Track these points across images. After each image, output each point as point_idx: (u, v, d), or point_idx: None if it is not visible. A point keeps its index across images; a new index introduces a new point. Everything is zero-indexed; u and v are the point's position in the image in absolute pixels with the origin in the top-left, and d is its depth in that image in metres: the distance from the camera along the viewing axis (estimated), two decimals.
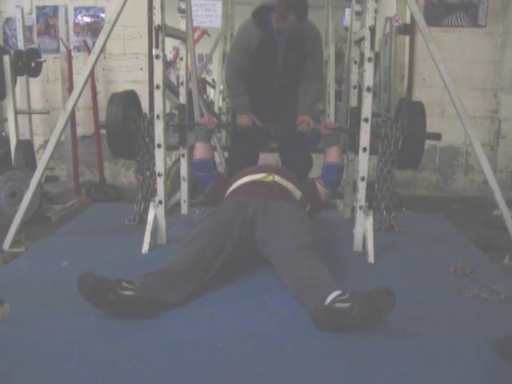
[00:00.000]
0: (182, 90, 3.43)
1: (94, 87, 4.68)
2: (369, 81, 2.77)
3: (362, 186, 2.85)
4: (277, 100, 3.56)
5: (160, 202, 2.98)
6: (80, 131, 4.85)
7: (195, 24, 4.33)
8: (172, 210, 3.43)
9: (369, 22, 2.73)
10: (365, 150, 2.82)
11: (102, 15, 4.91)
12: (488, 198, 3.90)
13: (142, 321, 2.02)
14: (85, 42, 4.82)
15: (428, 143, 4.63)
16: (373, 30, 2.72)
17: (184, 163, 3.51)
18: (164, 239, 3.01)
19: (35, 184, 3.09)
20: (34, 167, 3.57)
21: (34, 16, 4.92)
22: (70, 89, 4.29)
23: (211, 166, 3.12)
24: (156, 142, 2.95)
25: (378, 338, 1.93)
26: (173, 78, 5.88)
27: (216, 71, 6.00)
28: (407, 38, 4.98)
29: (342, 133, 3.34)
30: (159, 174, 2.97)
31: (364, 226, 2.86)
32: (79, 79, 3.15)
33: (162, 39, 2.83)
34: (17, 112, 4.17)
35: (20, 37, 4.54)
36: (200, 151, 3.13)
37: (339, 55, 5.14)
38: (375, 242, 2.80)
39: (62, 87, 4.77)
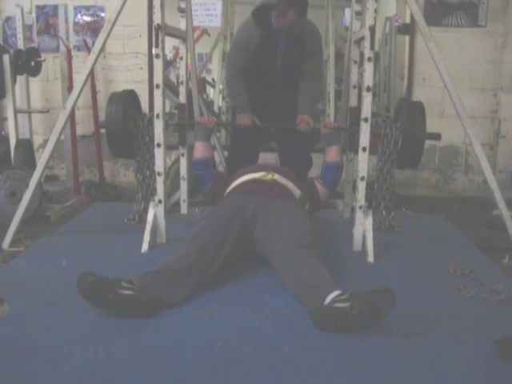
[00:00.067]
0: (182, 90, 3.43)
1: (93, 86, 4.68)
2: (368, 80, 2.77)
3: (361, 186, 2.85)
4: (277, 99, 3.56)
5: (160, 202, 2.98)
6: (80, 130, 4.85)
7: (195, 23, 4.33)
8: (172, 210, 3.43)
9: (369, 21, 2.73)
10: (364, 149, 2.82)
11: (102, 14, 4.91)
12: (488, 198, 3.90)
13: (141, 320, 2.01)
14: (84, 41, 4.82)
15: (428, 143, 4.63)
16: (373, 29, 2.72)
17: (184, 163, 3.51)
18: (163, 238, 3.01)
19: (35, 183, 3.08)
20: (33, 166, 3.57)
21: (33, 15, 4.91)
22: (70, 88, 4.29)
23: (211, 165, 3.12)
24: (156, 142, 2.95)
25: (377, 337, 1.93)
26: (173, 78, 5.88)
27: (216, 70, 6.00)
28: (407, 37, 4.98)
29: (341, 132, 3.34)
30: (159, 174, 2.97)
31: (364, 226, 2.86)
32: (79, 78, 3.14)
33: (161, 38, 2.83)
34: (16, 111, 4.17)
35: (20, 36, 4.53)
36: (200, 150, 3.13)
37: (339, 55, 5.14)
38: (375, 241, 2.80)
39: (62, 86, 4.77)
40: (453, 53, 4.66)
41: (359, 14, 3.17)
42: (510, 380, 1.71)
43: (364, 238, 2.86)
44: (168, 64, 5.98)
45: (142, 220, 3.24)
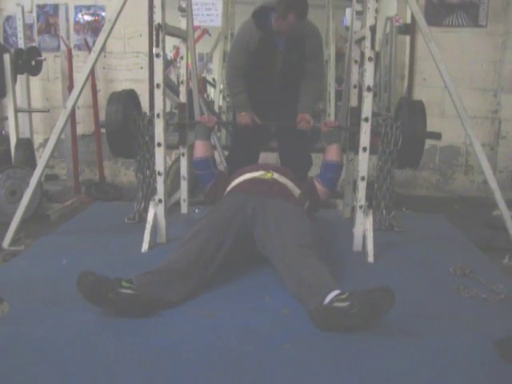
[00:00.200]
0: (183, 89, 3.43)
1: (94, 86, 4.68)
2: (369, 80, 2.76)
3: (361, 186, 2.85)
4: (277, 100, 3.56)
5: (160, 201, 2.98)
6: (80, 130, 4.86)
7: (196, 23, 4.32)
8: (172, 209, 3.43)
9: (369, 21, 2.73)
10: (365, 149, 2.82)
11: (103, 14, 4.91)
12: (488, 198, 3.90)
13: (141, 320, 2.01)
14: (85, 40, 4.82)
15: (428, 143, 4.64)
16: (373, 29, 2.72)
17: (184, 162, 3.51)
18: (164, 238, 3.01)
19: (35, 182, 3.09)
20: (33, 165, 3.58)
21: (34, 14, 4.92)
22: (70, 87, 4.29)
23: (211, 165, 3.12)
24: (156, 141, 2.95)
25: (377, 337, 1.92)
26: (173, 77, 5.88)
27: (216, 70, 6.00)
28: (408, 37, 4.98)
29: (341, 131, 3.34)
30: (159, 173, 2.97)
31: (364, 226, 2.86)
32: (79, 78, 3.14)
33: (162, 38, 2.83)
34: (17, 110, 4.17)
35: (20, 35, 4.53)
36: (200, 150, 3.13)
37: (339, 55, 5.14)
38: (375, 241, 2.80)
39: (62, 86, 4.77)
40: (453, 53, 4.66)
41: (360, 14, 3.17)
42: (510, 380, 1.72)
43: (364, 237, 2.86)
44: (168, 63, 5.98)
45: (142, 219, 3.24)
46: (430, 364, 1.77)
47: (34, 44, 4.77)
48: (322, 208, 3.78)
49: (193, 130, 3.33)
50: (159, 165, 2.97)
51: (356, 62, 3.29)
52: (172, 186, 3.84)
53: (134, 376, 1.67)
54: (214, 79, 6.69)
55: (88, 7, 4.91)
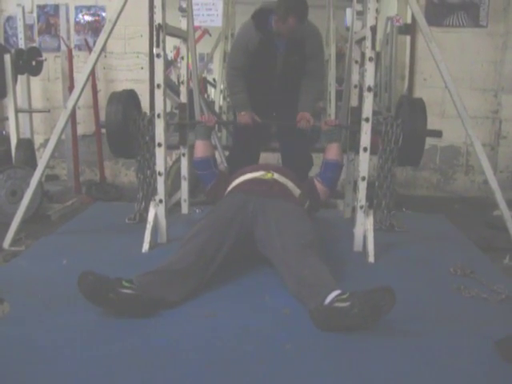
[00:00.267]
0: (183, 89, 3.43)
1: (94, 86, 4.69)
2: (370, 80, 2.76)
3: (362, 186, 2.84)
4: (278, 101, 3.57)
5: (160, 201, 2.98)
6: (80, 130, 4.85)
7: (196, 23, 4.33)
8: (172, 210, 3.44)
9: (370, 21, 2.73)
10: (365, 149, 2.82)
11: (103, 14, 4.91)
12: (488, 198, 3.90)
13: (141, 320, 2.02)
14: (85, 40, 4.83)
15: (428, 143, 4.64)
16: (374, 29, 2.71)
17: (184, 162, 3.51)
18: (164, 238, 3.01)
19: (35, 183, 3.09)
20: (34, 166, 3.57)
21: (34, 15, 4.92)
22: (71, 87, 4.30)
23: (212, 164, 3.12)
24: (156, 141, 2.95)
25: (377, 337, 1.92)
26: (174, 77, 5.88)
27: (217, 70, 6.00)
28: (408, 37, 4.97)
29: (342, 130, 3.34)
30: (160, 173, 2.97)
31: (364, 226, 2.86)
32: (80, 78, 3.15)
33: (162, 38, 2.83)
34: (17, 111, 4.17)
35: (21, 35, 4.54)
36: (200, 149, 3.13)
37: (340, 55, 5.15)
38: (375, 241, 2.80)
39: (63, 86, 4.77)
40: (454, 53, 4.66)
41: (360, 14, 3.18)
42: (510, 380, 1.71)
43: (365, 238, 2.86)
44: (169, 64, 5.98)
45: (143, 220, 3.24)
46: (430, 364, 1.77)
47: (34, 44, 4.78)
48: (323, 208, 3.78)
49: (193, 131, 3.34)
50: (160, 165, 2.97)
51: (356, 62, 3.29)
52: (172, 187, 3.84)
53: (134, 376, 1.67)
54: (214, 79, 6.69)
55: (88, 7, 4.91)
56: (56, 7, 4.88)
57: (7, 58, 3.96)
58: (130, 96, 3.45)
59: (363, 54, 2.94)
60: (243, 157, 3.53)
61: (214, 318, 2.07)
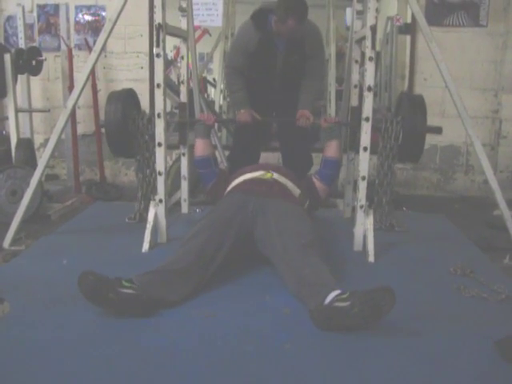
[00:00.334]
0: (183, 89, 3.43)
1: (94, 86, 4.68)
2: (370, 80, 2.76)
3: (362, 186, 2.84)
4: (278, 100, 3.57)
5: (160, 201, 2.98)
6: (80, 130, 4.85)
7: (196, 23, 4.32)
8: (172, 209, 3.43)
9: (370, 21, 2.73)
10: (365, 149, 2.82)
11: (103, 13, 4.91)
12: (488, 198, 3.90)
13: (141, 320, 2.01)
14: (86, 40, 4.82)
15: (428, 143, 4.65)
16: (374, 29, 2.71)
17: (184, 162, 3.52)
18: (164, 238, 3.01)
19: (35, 182, 3.09)
20: (34, 165, 3.57)
21: (34, 14, 4.91)
22: (71, 87, 4.30)
23: (212, 163, 3.13)
24: (156, 141, 2.95)
25: (377, 337, 1.92)
26: (174, 77, 5.88)
27: (217, 70, 6.01)
28: (408, 37, 4.97)
29: (342, 127, 3.34)
30: (160, 173, 2.97)
31: (364, 226, 2.86)
32: (80, 77, 3.15)
33: (162, 38, 2.83)
34: (17, 110, 4.17)
35: (21, 35, 4.53)
36: (200, 148, 3.14)
37: (340, 54, 5.16)
38: (375, 241, 2.80)
39: (63, 85, 4.77)
40: (454, 53, 4.66)
41: (360, 14, 3.18)
42: (510, 380, 1.71)
43: (365, 237, 2.86)
44: (169, 63, 5.99)
45: (143, 219, 3.24)
46: (430, 364, 1.77)
47: (34, 44, 4.77)
48: (323, 208, 3.78)
49: (193, 130, 3.34)
50: (160, 165, 2.96)
51: (357, 61, 3.30)
52: (172, 186, 3.84)
53: (134, 376, 1.67)
54: (214, 79, 6.70)
55: (88, 7, 4.91)
56: (56, 7, 4.88)
57: (7, 57, 3.96)
58: (129, 95, 3.44)
59: (363, 54, 2.94)
60: (244, 156, 3.53)
61: (214, 318, 2.07)
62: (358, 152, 2.95)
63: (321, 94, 4.11)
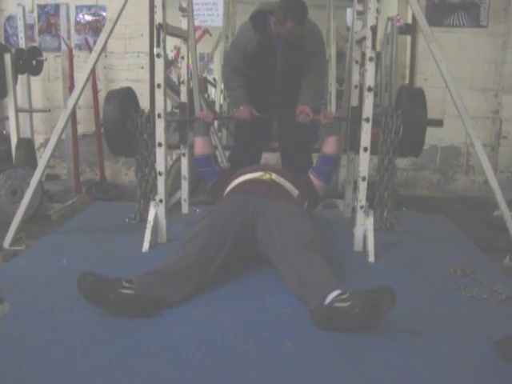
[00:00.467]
0: (183, 89, 3.43)
1: (95, 86, 4.69)
2: (370, 80, 2.76)
3: (362, 186, 2.84)
4: (279, 100, 3.57)
5: (160, 201, 2.98)
6: (81, 130, 4.86)
7: (196, 23, 4.33)
8: (172, 209, 3.43)
9: (370, 21, 2.73)
10: (366, 149, 2.82)
11: (104, 13, 4.91)
12: (489, 199, 3.90)
13: (141, 320, 2.01)
14: (86, 40, 4.83)
15: (429, 143, 4.66)
16: (374, 29, 2.71)
17: (185, 162, 3.52)
18: (164, 238, 3.01)
19: (36, 182, 3.09)
20: (34, 165, 3.58)
21: (35, 14, 4.92)
22: (71, 87, 4.30)
23: (212, 161, 3.14)
24: (157, 141, 2.95)
25: (378, 337, 1.92)
26: (174, 77, 5.88)
27: (217, 70, 6.01)
28: (409, 37, 4.97)
29: (341, 123, 3.34)
30: (160, 173, 2.97)
31: (364, 226, 2.86)
32: (80, 78, 3.15)
33: (163, 38, 2.83)
34: (18, 110, 4.18)
35: (21, 35, 4.54)
36: (200, 146, 3.14)
37: (340, 55, 5.16)
38: (376, 241, 2.80)
39: (63, 86, 4.77)
40: (454, 53, 4.66)
41: (361, 14, 3.17)
42: (510, 380, 1.71)
43: (365, 237, 2.86)
44: (169, 63, 5.99)
45: (143, 219, 3.24)
46: (430, 364, 1.77)
47: (34, 44, 4.78)
48: (323, 208, 3.79)
49: (192, 128, 3.34)
50: (160, 165, 2.96)
51: (357, 62, 3.29)
52: (173, 186, 3.84)
53: (133, 376, 1.67)
54: (214, 79, 6.70)
55: (89, 7, 4.92)
56: (56, 7, 4.89)
57: (7, 57, 3.96)
58: (128, 94, 3.43)
59: (363, 54, 2.93)
60: (245, 156, 3.54)
61: (214, 318, 2.07)
62: (358, 152, 2.95)
63: (321, 91, 4.10)
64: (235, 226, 2.47)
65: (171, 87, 4.45)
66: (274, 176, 2.89)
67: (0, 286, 2.28)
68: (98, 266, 2.12)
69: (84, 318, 2.02)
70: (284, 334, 1.95)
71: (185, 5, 3.35)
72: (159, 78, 2.88)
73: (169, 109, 4.48)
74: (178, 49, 4.73)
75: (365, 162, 2.83)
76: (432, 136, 4.67)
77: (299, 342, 1.90)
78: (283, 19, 3.10)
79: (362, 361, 1.80)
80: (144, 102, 3.71)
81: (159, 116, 2.91)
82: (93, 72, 3.92)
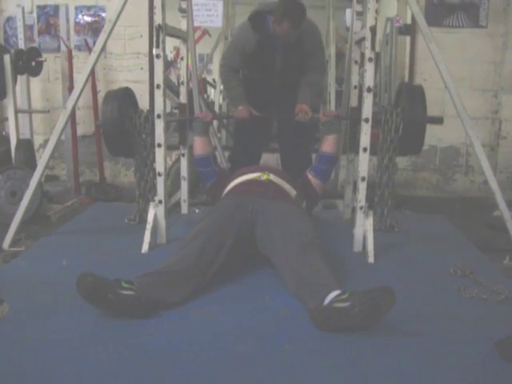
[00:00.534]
0: (183, 90, 3.43)
1: (94, 86, 4.68)
2: (369, 81, 2.76)
3: (362, 187, 2.84)
4: (278, 100, 3.56)
5: (160, 202, 2.98)
6: (80, 130, 4.85)
7: (196, 24, 4.33)
8: (172, 210, 3.43)
9: (370, 22, 2.73)
10: (365, 150, 2.82)
11: (103, 14, 4.91)
12: (488, 199, 3.90)
13: (141, 321, 2.01)
14: (85, 41, 4.82)
15: (428, 144, 4.65)
16: (373, 30, 2.72)
17: (184, 163, 3.52)
18: (164, 239, 3.01)
19: (35, 183, 3.08)
20: (34, 166, 3.57)
21: (34, 15, 4.91)
22: (71, 88, 4.29)
23: (212, 162, 3.14)
24: (156, 142, 2.95)
25: (377, 338, 1.92)
26: (173, 78, 5.88)
27: (216, 71, 6.00)
28: (408, 38, 4.97)
29: (341, 122, 3.34)
30: (159, 174, 2.97)
31: (364, 227, 2.86)
32: (80, 78, 3.15)
33: (162, 39, 2.83)
34: (17, 111, 4.17)
35: (21, 36, 4.53)
36: (199, 147, 3.14)
37: (340, 55, 5.15)
38: (375, 242, 2.80)
39: (63, 86, 4.77)
40: (454, 53, 4.66)
41: (360, 15, 3.18)
42: (510, 380, 1.71)
43: (364, 238, 2.86)
44: (169, 64, 5.99)
45: (143, 220, 3.24)
46: (430, 364, 1.77)
47: (34, 45, 4.77)
48: (323, 209, 3.79)
49: (192, 131, 3.34)
50: (160, 165, 2.96)
51: (356, 62, 3.30)
52: (172, 187, 3.84)
53: (133, 376, 1.67)
54: (214, 80, 6.70)
55: (88, 8, 4.91)
56: (56, 7, 4.88)
57: (7, 58, 3.96)
58: (126, 94, 3.43)
59: (363, 55, 2.94)
60: (244, 156, 3.53)
61: (214, 319, 2.07)
62: (357, 153, 2.94)
63: (321, 90, 4.09)
64: (234, 227, 2.47)
65: (171, 88, 4.44)
66: (271, 176, 2.89)
67: (0, 287, 2.28)
68: (98, 267, 2.13)
69: (83, 318, 2.02)
70: (284, 335, 1.96)
71: (184, 5, 3.34)
72: (159, 78, 2.88)
73: (168, 109, 4.47)
74: (177, 50, 4.73)
75: (364, 163, 2.83)
76: (431, 136, 4.67)
77: (299, 343, 1.91)
78: (280, 19, 3.10)
79: (362, 361, 1.80)
80: (143, 103, 3.71)
81: (158, 117, 2.91)
82: (92, 73, 3.92)
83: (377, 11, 2.73)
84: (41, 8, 4.93)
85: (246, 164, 3.18)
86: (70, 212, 3.88)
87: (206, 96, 6.62)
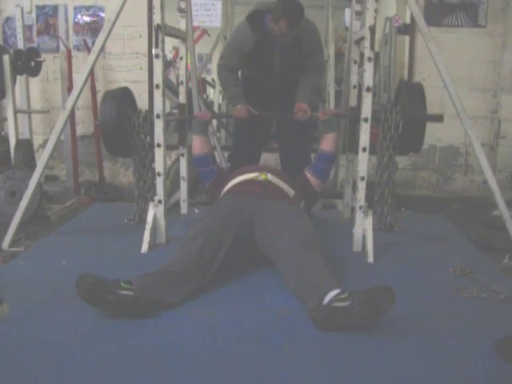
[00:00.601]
0: (182, 90, 3.43)
1: (93, 86, 4.68)
2: (368, 81, 2.76)
3: (361, 186, 2.84)
4: (277, 100, 3.56)
5: (159, 202, 2.98)
6: (79, 130, 4.85)
7: (195, 23, 4.32)
8: (171, 210, 3.43)
9: (369, 21, 2.73)
10: (364, 149, 2.82)
11: (102, 14, 4.90)
12: (488, 198, 3.90)
13: (141, 321, 2.01)
14: (84, 41, 4.82)
15: (428, 143, 4.65)
16: (373, 29, 2.72)
17: (183, 163, 3.51)
18: (163, 239, 3.01)
19: (34, 183, 3.08)
20: (33, 166, 3.57)
21: (33, 15, 4.91)
22: (70, 88, 4.29)
23: (210, 161, 3.14)
24: (156, 142, 2.95)
25: (377, 337, 1.92)
26: (173, 78, 5.88)
27: (216, 71, 5.99)
28: (407, 37, 4.97)
29: (340, 120, 3.34)
30: (159, 174, 2.97)
31: (363, 226, 2.86)
32: (79, 78, 3.14)
33: (161, 39, 2.83)
34: (16, 111, 4.17)
35: (20, 36, 4.53)
36: (198, 146, 3.15)
37: (339, 55, 5.15)
38: (375, 241, 2.80)
39: (62, 86, 4.76)
40: (453, 53, 4.66)
41: (359, 14, 3.18)
42: (509, 380, 1.71)
43: (364, 238, 2.86)
44: (168, 64, 5.98)
45: (142, 220, 3.24)
46: (430, 364, 1.77)
47: (33, 45, 4.77)
48: (323, 209, 3.79)
49: (189, 127, 3.34)
50: (159, 165, 2.96)
51: (355, 62, 3.30)
52: (172, 187, 3.84)
53: (133, 376, 1.67)
54: (213, 80, 6.69)
55: (87, 8, 4.91)
56: (55, 8, 4.88)
57: (6, 58, 3.95)
58: (124, 94, 3.43)
59: (362, 54, 2.94)
60: (244, 156, 3.53)
61: (214, 318, 2.07)
62: (357, 153, 2.94)
63: (320, 89, 4.08)
64: (233, 227, 2.47)
65: (170, 88, 4.44)
66: (269, 176, 2.90)
67: None
68: (97, 267, 2.13)
69: (83, 318, 2.02)
70: (283, 335, 1.96)
71: (183, 5, 3.34)
72: (158, 78, 2.88)
73: (167, 109, 4.47)
74: (176, 49, 4.73)
75: (364, 162, 2.84)
76: (431, 136, 4.67)
77: (298, 343, 1.91)
78: (278, 18, 3.10)
79: (362, 361, 1.80)
80: (143, 103, 3.71)
81: (158, 116, 2.91)
82: (91, 73, 3.92)
83: (376, 11, 2.73)
84: (40, 8, 4.93)
85: (246, 163, 3.19)
86: (70, 212, 3.88)
87: (205, 96, 6.61)
